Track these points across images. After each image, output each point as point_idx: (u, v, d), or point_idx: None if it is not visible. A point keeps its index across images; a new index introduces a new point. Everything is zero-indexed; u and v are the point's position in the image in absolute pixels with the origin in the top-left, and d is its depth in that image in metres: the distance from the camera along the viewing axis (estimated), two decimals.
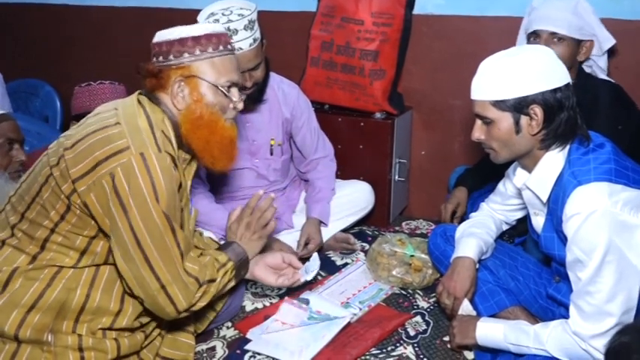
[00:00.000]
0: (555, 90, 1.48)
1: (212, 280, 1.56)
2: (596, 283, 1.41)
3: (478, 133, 1.60)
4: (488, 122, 1.56)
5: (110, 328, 1.50)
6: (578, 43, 2.00)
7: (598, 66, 2.08)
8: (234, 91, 1.59)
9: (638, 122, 2.07)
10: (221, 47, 1.55)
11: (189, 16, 2.62)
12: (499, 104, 1.52)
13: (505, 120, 1.52)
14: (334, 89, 2.63)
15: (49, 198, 1.43)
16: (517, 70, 1.50)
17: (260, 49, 2.10)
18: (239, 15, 2.01)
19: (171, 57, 1.52)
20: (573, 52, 2.00)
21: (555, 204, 1.53)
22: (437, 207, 2.83)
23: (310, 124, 2.42)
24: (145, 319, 1.57)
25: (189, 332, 1.70)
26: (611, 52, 2.17)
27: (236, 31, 2.00)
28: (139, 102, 1.53)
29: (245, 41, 2.02)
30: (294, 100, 2.36)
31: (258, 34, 2.07)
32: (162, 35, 1.54)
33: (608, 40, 2.02)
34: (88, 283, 1.48)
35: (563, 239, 1.53)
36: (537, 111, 1.48)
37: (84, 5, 3.39)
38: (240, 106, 1.62)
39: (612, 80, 2.09)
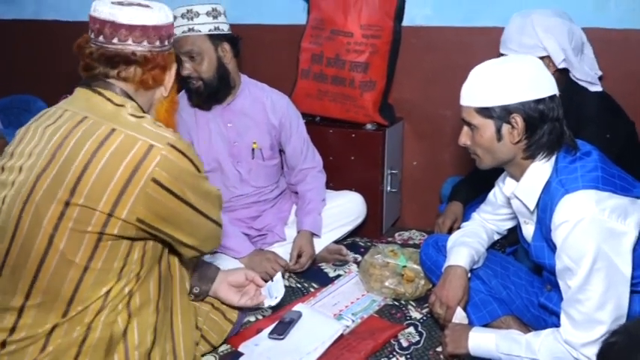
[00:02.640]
0: (538, 101, 1.50)
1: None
2: (585, 291, 1.42)
3: (464, 138, 1.63)
4: (472, 128, 1.58)
5: None
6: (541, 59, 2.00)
7: (584, 73, 2.08)
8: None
9: (627, 130, 2.09)
10: None
11: None
12: (483, 111, 1.54)
13: (488, 127, 1.55)
14: (325, 101, 2.64)
15: (69, 245, 1.29)
16: (501, 79, 1.52)
17: (200, 42, 2.16)
18: (186, 8, 2.15)
19: (166, 42, 1.45)
20: None
21: (544, 212, 1.54)
22: (429, 217, 2.84)
23: (300, 134, 2.43)
24: None
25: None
26: (598, 62, 2.18)
27: (175, 18, 2.06)
28: (100, 95, 1.39)
29: (179, 28, 2.14)
30: (284, 110, 2.38)
31: (200, 28, 2.15)
32: (150, 18, 1.38)
33: (557, 56, 2.00)
34: (125, 306, 1.39)
35: (553, 248, 1.54)
36: (518, 120, 1.51)
37: (75, 21, 3.40)
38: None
39: (601, 90, 2.10)
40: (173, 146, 1.34)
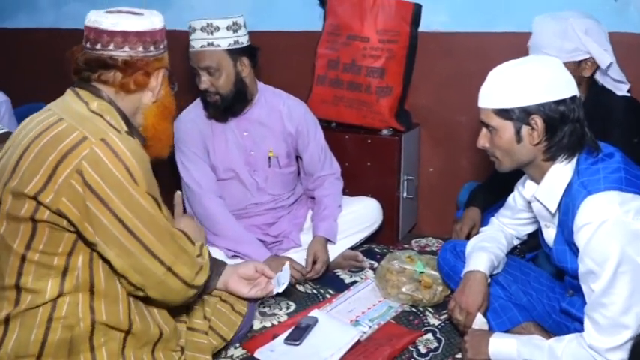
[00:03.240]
0: (558, 102, 1.48)
1: (202, 256, 1.54)
2: (610, 295, 1.39)
3: (483, 140, 1.61)
4: (491, 130, 1.56)
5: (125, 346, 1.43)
6: (579, 62, 1.97)
7: (613, 79, 2.05)
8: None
9: None
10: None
11: (179, 37, 2.67)
12: (501, 113, 1.53)
13: (507, 129, 1.53)
14: (341, 107, 2.64)
15: (8, 230, 1.33)
16: (521, 80, 1.50)
17: (220, 59, 2.16)
18: (207, 21, 2.14)
19: (151, 48, 1.46)
20: (574, 72, 1.89)
21: (565, 215, 1.52)
22: (447, 224, 2.82)
23: (318, 141, 2.42)
24: (161, 347, 1.51)
25: (207, 354, 1.66)
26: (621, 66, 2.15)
27: (194, 30, 2.16)
28: (77, 96, 1.43)
29: (198, 41, 2.16)
30: (301, 117, 2.37)
31: (221, 43, 2.15)
32: (133, 25, 1.42)
33: (604, 60, 1.96)
34: (87, 309, 1.38)
35: (575, 251, 1.51)
36: (538, 122, 1.49)
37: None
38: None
39: (628, 94, 2.07)
40: (107, 144, 1.31)
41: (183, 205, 2.05)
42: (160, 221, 1.39)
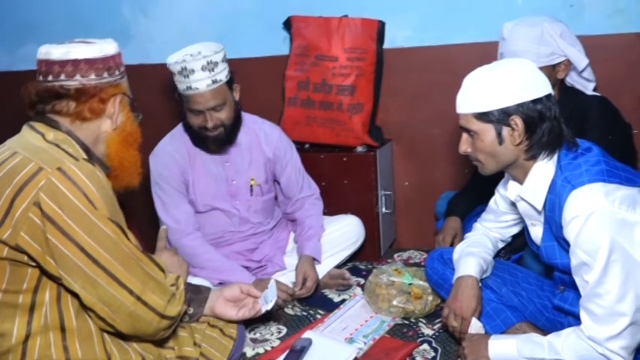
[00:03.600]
0: (535, 101, 1.52)
1: (176, 286, 1.49)
2: (604, 284, 1.41)
3: (465, 146, 1.63)
4: (472, 135, 1.59)
5: None
6: (553, 65, 2.03)
7: (583, 78, 2.12)
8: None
9: (625, 132, 2.13)
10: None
11: (155, 70, 2.65)
12: (481, 116, 1.55)
13: (488, 132, 1.56)
14: (314, 127, 2.65)
15: None
16: (497, 83, 1.54)
17: (223, 91, 2.12)
18: (203, 56, 2.06)
19: (105, 74, 1.43)
20: (550, 75, 1.93)
21: (552, 211, 1.54)
22: (425, 237, 2.85)
23: (295, 164, 2.42)
24: None
25: None
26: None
27: (193, 71, 2.06)
28: (32, 129, 1.41)
29: (202, 81, 2.06)
30: (277, 141, 2.37)
31: (220, 77, 2.10)
32: (90, 51, 1.42)
33: (581, 61, 2.04)
34: (61, 350, 1.34)
35: (565, 246, 1.54)
36: (518, 122, 1.52)
37: None
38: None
39: (598, 94, 2.14)
40: (63, 172, 1.28)
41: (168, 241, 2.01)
42: (125, 247, 1.35)
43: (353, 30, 2.57)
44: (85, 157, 1.38)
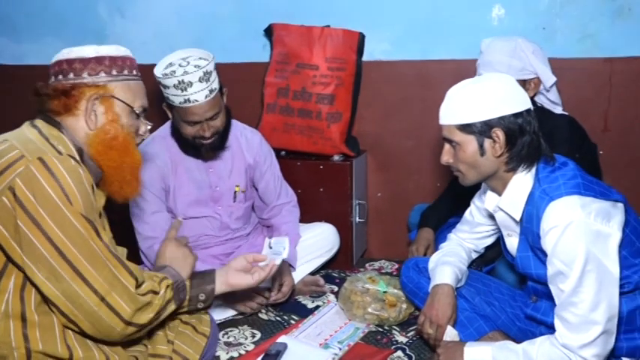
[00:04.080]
0: (516, 114, 1.57)
1: (155, 292, 1.46)
2: (579, 293, 1.46)
3: (447, 156, 1.67)
4: (454, 145, 1.62)
5: None
6: (524, 81, 2.10)
7: (550, 100, 2.20)
8: (143, 117, 1.56)
9: (591, 151, 2.22)
10: (134, 72, 1.53)
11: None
12: (464, 128, 1.59)
13: (470, 143, 1.60)
14: (292, 134, 2.66)
15: None
16: (480, 96, 1.58)
17: (218, 100, 2.09)
18: (195, 66, 2.01)
19: (84, 74, 1.44)
20: None
21: (529, 222, 1.59)
22: (396, 247, 2.88)
23: (273, 171, 2.42)
24: None
25: None
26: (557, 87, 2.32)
27: (190, 84, 1.99)
28: (31, 124, 1.44)
29: (201, 93, 2.01)
30: (257, 147, 2.36)
31: (215, 85, 2.06)
32: (71, 52, 1.46)
33: (549, 79, 2.13)
34: (21, 339, 1.32)
35: (540, 256, 1.59)
36: (499, 134, 1.56)
37: (21, 64, 3.31)
38: (147, 134, 1.59)
39: (566, 113, 2.22)
40: (43, 162, 1.28)
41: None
42: (94, 245, 1.33)
43: (334, 40, 2.60)
44: (70, 153, 1.37)
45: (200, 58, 2.05)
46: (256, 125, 2.68)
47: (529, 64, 2.10)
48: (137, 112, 1.52)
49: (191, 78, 1.98)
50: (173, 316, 1.61)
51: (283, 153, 2.74)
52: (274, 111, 2.69)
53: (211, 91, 2.04)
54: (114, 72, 1.47)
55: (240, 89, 2.91)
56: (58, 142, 1.38)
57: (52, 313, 1.36)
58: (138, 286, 1.42)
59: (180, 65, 2.02)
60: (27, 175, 1.26)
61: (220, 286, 1.67)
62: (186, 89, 1.99)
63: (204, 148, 2.14)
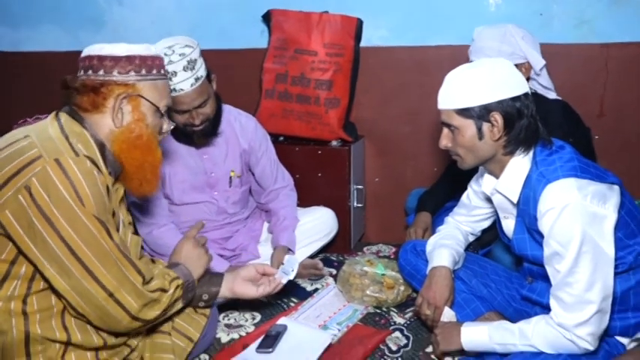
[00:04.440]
0: (514, 98, 1.56)
1: (164, 290, 1.50)
2: (574, 274, 1.47)
3: (445, 140, 1.66)
4: (453, 130, 1.62)
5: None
6: (515, 66, 2.10)
7: (542, 85, 2.20)
8: (166, 116, 1.58)
9: (585, 135, 2.22)
10: (162, 71, 1.55)
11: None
12: (463, 112, 1.59)
13: (469, 127, 1.60)
14: (290, 120, 2.65)
15: None
16: (478, 80, 1.58)
17: (205, 87, 2.06)
18: (180, 55, 1.97)
19: (115, 72, 1.46)
20: None
21: (526, 205, 1.60)
22: (393, 231, 2.89)
23: (269, 155, 2.41)
24: (105, 354, 1.47)
25: (170, 353, 1.61)
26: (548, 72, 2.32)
27: (175, 73, 1.96)
28: (55, 117, 1.46)
29: (186, 82, 1.98)
30: (252, 132, 2.35)
31: (201, 72, 2.03)
32: (103, 49, 1.47)
33: (538, 62, 2.14)
34: (20, 320, 1.36)
35: (536, 238, 1.59)
36: (497, 118, 1.56)
37: (19, 51, 3.28)
38: (170, 128, 1.61)
39: (560, 98, 2.22)
40: (59, 164, 1.31)
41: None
42: (105, 245, 1.37)
43: (333, 26, 2.59)
44: (89, 154, 1.39)
45: (186, 46, 2.01)
46: (255, 111, 2.67)
47: (519, 48, 2.12)
48: (162, 111, 1.54)
49: (175, 67, 1.96)
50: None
51: (282, 138, 2.74)
52: (273, 97, 2.68)
53: (197, 79, 2.01)
54: (143, 71, 1.49)
55: (239, 75, 2.90)
56: (78, 140, 1.40)
57: (51, 303, 1.40)
58: (146, 283, 1.45)
59: (165, 54, 1.98)
60: (43, 176, 1.30)
61: (224, 292, 1.74)
62: (171, 79, 1.96)
63: (195, 135, 2.13)
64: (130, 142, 1.48)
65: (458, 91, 1.60)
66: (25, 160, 1.31)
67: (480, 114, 1.57)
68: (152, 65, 1.51)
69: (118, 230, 1.49)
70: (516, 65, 2.08)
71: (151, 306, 1.46)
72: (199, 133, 2.13)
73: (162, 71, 1.55)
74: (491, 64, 1.63)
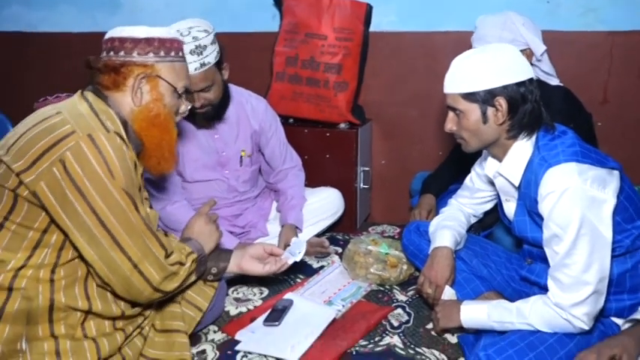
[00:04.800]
0: (519, 84, 1.57)
1: (182, 264, 1.55)
2: (572, 255, 1.48)
3: (450, 124, 1.67)
4: (458, 114, 1.63)
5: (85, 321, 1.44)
6: None
7: (544, 71, 2.21)
8: (183, 97, 1.60)
9: (587, 121, 2.22)
10: (180, 54, 1.58)
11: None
12: (468, 96, 1.59)
13: (473, 111, 1.60)
14: (299, 102, 2.67)
15: None
16: (484, 66, 1.58)
17: (212, 74, 2.07)
18: (193, 38, 1.99)
19: (134, 54, 1.50)
20: None
21: (527, 188, 1.61)
22: (398, 212, 2.92)
23: (279, 136, 2.43)
24: (121, 323, 1.51)
25: (182, 332, 1.65)
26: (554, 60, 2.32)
27: None
28: (82, 96, 1.50)
29: (191, 65, 1.97)
30: (263, 113, 2.37)
31: (209, 59, 2.04)
32: (124, 31, 1.51)
33: (539, 47, 2.14)
34: (47, 287, 1.40)
35: (536, 220, 1.61)
36: (502, 102, 1.57)
37: (37, 32, 3.31)
38: (186, 112, 1.64)
39: (562, 84, 2.22)
40: (92, 139, 1.35)
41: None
42: (132, 218, 1.41)
43: (343, 10, 2.59)
44: (117, 130, 1.43)
45: (203, 31, 2.03)
46: (265, 93, 2.69)
47: (519, 35, 2.12)
48: (179, 92, 1.57)
49: (184, 48, 1.98)
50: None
51: (291, 120, 2.76)
52: (283, 79, 2.69)
53: (202, 65, 2.02)
54: (161, 53, 1.52)
55: (251, 58, 2.91)
56: (107, 118, 1.45)
57: (77, 273, 1.45)
58: (167, 256, 1.50)
59: (182, 34, 2.00)
60: (77, 150, 1.34)
61: (232, 267, 1.78)
62: None
63: (197, 116, 2.15)
64: (148, 120, 1.52)
65: (464, 75, 1.61)
66: (59, 135, 1.35)
67: (485, 98, 1.58)
68: (170, 47, 1.54)
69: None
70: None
71: (171, 278, 1.50)
72: (200, 116, 2.16)
73: (181, 54, 1.58)
74: (496, 49, 1.63)
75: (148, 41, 1.51)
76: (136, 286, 1.43)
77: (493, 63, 1.58)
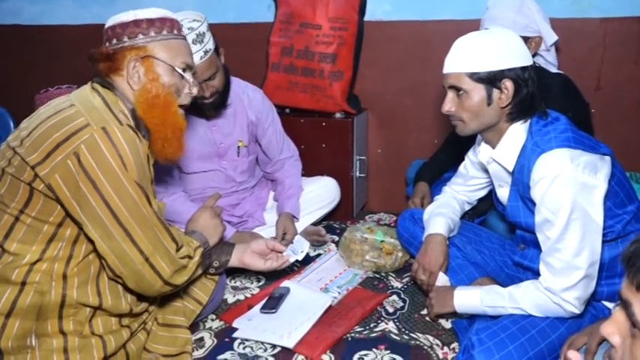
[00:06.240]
0: (523, 68, 1.53)
1: (190, 257, 1.54)
2: (564, 240, 1.47)
3: (449, 105, 1.61)
4: (461, 94, 1.58)
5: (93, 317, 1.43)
6: (526, 39, 2.05)
7: (547, 60, 2.17)
8: (189, 74, 1.55)
9: (584, 109, 2.20)
10: (175, 31, 1.52)
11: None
12: (474, 76, 1.54)
13: (478, 91, 1.55)
14: (295, 92, 2.64)
15: (8, 191, 1.36)
16: (492, 47, 1.53)
17: (214, 60, 2.04)
18: (189, 29, 1.95)
19: (125, 39, 1.46)
20: None
21: (520, 173, 1.59)
22: (394, 200, 2.90)
23: (275, 126, 2.41)
24: (127, 320, 1.51)
25: (184, 327, 1.64)
26: (556, 48, 2.29)
27: None
28: (92, 88, 1.48)
29: (195, 55, 1.93)
30: (259, 104, 2.35)
31: (209, 46, 2.01)
32: (114, 19, 1.49)
33: (551, 37, 2.10)
34: (60, 283, 1.39)
35: (529, 206, 1.59)
36: (508, 85, 1.53)
37: (37, 25, 3.28)
38: (195, 90, 1.57)
39: (562, 72, 2.19)
40: (106, 132, 1.33)
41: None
42: (145, 211, 1.39)
43: (337, 0, 2.55)
44: (130, 122, 1.41)
45: (194, 20, 1.99)
46: (261, 84, 2.67)
47: (534, 21, 2.06)
48: (179, 70, 1.50)
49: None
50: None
51: (287, 110, 2.73)
52: (279, 70, 2.66)
53: (206, 52, 2.00)
54: (152, 33, 1.47)
55: (246, 49, 2.89)
56: (119, 110, 1.42)
57: (90, 270, 1.43)
58: (178, 249, 1.49)
59: None
60: (91, 143, 1.31)
61: (234, 261, 1.77)
62: None
63: (205, 107, 2.12)
64: (148, 102, 1.48)
65: (471, 54, 1.55)
66: (74, 128, 1.33)
67: (492, 79, 1.53)
68: (162, 26, 1.48)
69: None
70: (528, 38, 2.06)
71: (180, 272, 1.49)
72: (209, 106, 2.12)
73: (175, 31, 1.51)
74: (501, 32, 1.58)
75: (136, 23, 1.46)
76: (146, 279, 1.42)
77: (500, 45, 1.53)
